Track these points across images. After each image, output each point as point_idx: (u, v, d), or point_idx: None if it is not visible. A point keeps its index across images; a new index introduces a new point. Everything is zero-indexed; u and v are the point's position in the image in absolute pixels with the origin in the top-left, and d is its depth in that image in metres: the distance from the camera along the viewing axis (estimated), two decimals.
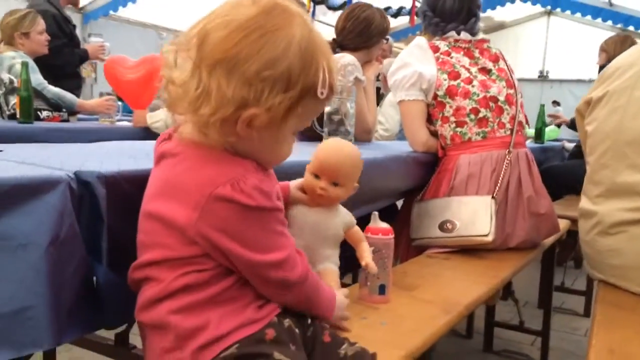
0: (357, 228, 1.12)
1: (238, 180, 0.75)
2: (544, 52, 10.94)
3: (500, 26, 10.67)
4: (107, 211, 0.86)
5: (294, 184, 1.07)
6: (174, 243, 0.78)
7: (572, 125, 3.84)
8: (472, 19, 1.98)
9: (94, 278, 0.85)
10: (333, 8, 6.17)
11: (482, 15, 2.03)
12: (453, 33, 1.95)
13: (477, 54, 1.95)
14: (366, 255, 1.11)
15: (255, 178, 0.77)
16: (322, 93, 0.79)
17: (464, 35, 1.95)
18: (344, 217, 1.10)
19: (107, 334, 1.34)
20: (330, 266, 1.09)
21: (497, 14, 9.50)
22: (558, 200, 3.05)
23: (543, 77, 11.16)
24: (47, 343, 0.75)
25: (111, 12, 8.30)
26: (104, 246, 0.86)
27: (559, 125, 3.93)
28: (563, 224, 2.21)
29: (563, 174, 3.21)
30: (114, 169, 0.88)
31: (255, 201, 0.76)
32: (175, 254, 0.78)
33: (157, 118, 2.74)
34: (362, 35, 2.33)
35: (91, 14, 8.23)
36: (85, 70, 4.07)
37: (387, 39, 2.60)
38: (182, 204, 0.77)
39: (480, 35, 2.00)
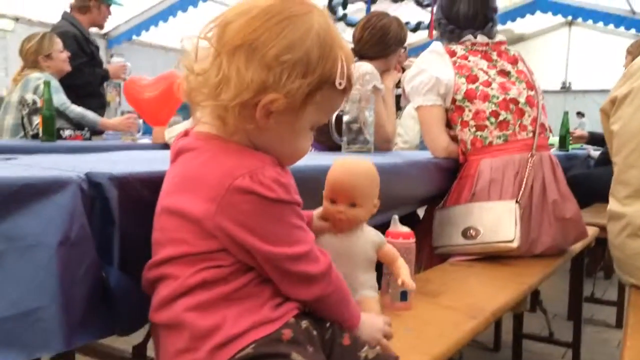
0: (389, 247, 1.07)
1: (257, 172, 0.75)
2: (566, 63, 10.83)
3: (521, 38, 10.61)
4: (118, 213, 0.84)
5: (316, 213, 1.04)
6: (191, 238, 0.76)
7: (591, 141, 3.75)
8: (489, 24, 1.95)
9: (105, 281, 0.83)
10: (352, 25, 6.20)
11: (501, 28, 2.01)
12: (470, 37, 1.92)
13: (495, 56, 1.91)
14: (402, 273, 1.06)
15: (274, 171, 0.77)
16: (340, 83, 0.79)
17: (481, 38, 1.92)
18: (372, 238, 1.05)
19: (125, 346, 1.33)
20: (366, 293, 1.04)
21: (517, 26, 9.44)
22: (585, 208, 2.97)
23: (566, 89, 11.03)
24: (57, 346, 0.73)
25: (134, 36, 8.50)
26: (115, 248, 0.84)
27: (579, 141, 3.83)
28: (591, 231, 2.14)
29: (589, 181, 3.13)
30: (125, 170, 0.87)
31: (274, 193, 0.75)
32: (193, 249, 0.77)
33: (176, 132, 2.75)
34: (380, 44, 2.32)
35: (115, 39, 8.44)
36: (109, 95, 4.14)
37: (405, 48, 2.59)
38: (200, 196, 0.76)
39: (498, 38, 1.96)
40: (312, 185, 1.04)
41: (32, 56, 3.11)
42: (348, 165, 1.02)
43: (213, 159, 0.78)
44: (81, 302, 0.77)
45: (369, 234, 1.04)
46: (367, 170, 1.03)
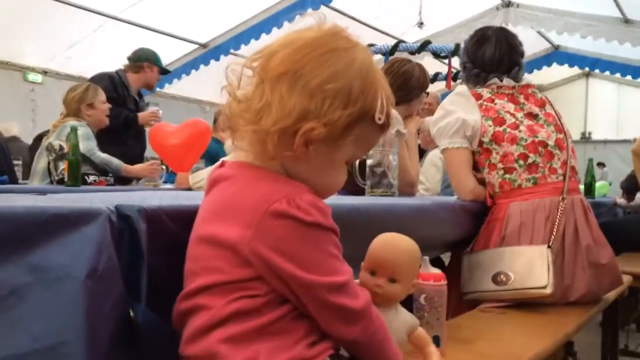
0: (421, 330, 1.04)
1: (294, 196, 0.74)
2: (585, 113, 10.82)
3: (539, 89, 10.68)
4: (147, 247, 0.82)
5: None
6: (225, 265, 0.75)
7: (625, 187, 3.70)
8: (515, 68, 1.95)
9: (133, 317, 0.80)
10: None
11: (524, 80, 2.00)
12: (496, 80, 1.92)
13: (522, 99, 1.90)
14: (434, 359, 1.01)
15: (311, 195, 0.77)
16: (379, 119, 0.80)
17: (507, 81, 1.91)
18: (406, 319, 1.01)
19: None
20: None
21: (535, 78, 9.51)
22: (617, 256, 2.88)
23: (586, 139, 10.98)
24: None
25: (157, 89, 8.71)
26: (143, 283, 0.81)
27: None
28: (625, 280, 2.07)
29: (620, 229, 3.05)
30: (155, 204, 0.85)
31: (312, 217, 0.74)
32: (227, 278, 0.75)
33: (200, 178, 2.76)
34: (402, 89, 2.33)
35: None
36: None
37: (427, 93, 2.60)
38: (236, 222, 0.75)
39: (525, 81, 1.96)
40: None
41: (76, 104, 3.19)
42: (392, 240, 1.02)
43: (248, 186, 0.78)
44: (107, 338, 0.74)
45: (404, 316, 1.01)
46: (411, 247, 1.02)
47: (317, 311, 0.76)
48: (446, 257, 2.17)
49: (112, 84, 3.64)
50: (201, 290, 0.76)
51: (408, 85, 2.32)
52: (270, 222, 0.73)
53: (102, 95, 3.30)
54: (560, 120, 1.91)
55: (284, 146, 0.77)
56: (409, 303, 1.06)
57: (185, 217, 0.86)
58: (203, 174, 2.76)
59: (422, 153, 3.33)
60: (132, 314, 0.79)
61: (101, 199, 0.91)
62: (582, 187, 3.45)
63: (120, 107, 3.65)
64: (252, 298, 0.75)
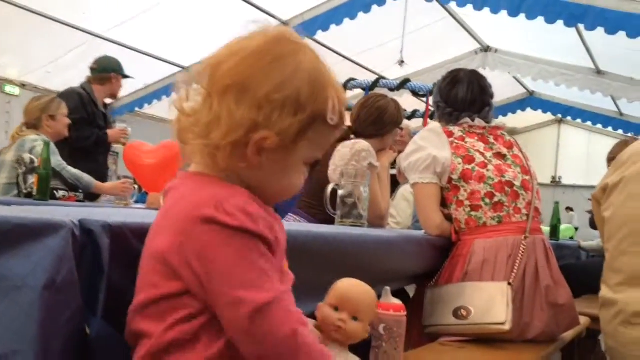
0: None
1: (223, 201, 0.73)
2: (556, 158, 11.08)
3: (512, 132, 10.91)
4: (109, 262, 0.82)
5: (309, 323, 0.99)
6: (159, 279, 0.74)
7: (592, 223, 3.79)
8: (486, 108, 2.01)
9: (87, 330, 0.80)
10: (350, 110, 6.35)
11: (494, 122, 2.07)
12: (467, 119, 1.98)
13: (491, 139, 1.96)
14: None
15: (242, 200, 0.74)
16: (332, 119, 0.80)
17: (478, 121, 1.97)
18: None
19: None
20: None
21: (509, 121, 9.75)
22: (577, 298, 2.94)
23: (556, 183, 11.22)
24: None
25: (136, 109, 8.68)
26: (101, 298, 0.81)
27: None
28: (582, 321, 2.11)
29: (582, 272, 3.12)
30: (120, 220, 0.86)
31: (238, 221, 0.71)
32: (160, 292, 0.74)
33: None
34: (376, 123, 2.38)
35: (117, 110, 8.58)
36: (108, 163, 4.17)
37: (402, 129, 2.66)
38: (169, 232, 0.74)
39: (495, 123, 2.02)
40: (298, 250, 1.04)
41: (37, 114, 3.16)
42: (358, 282, 1.05)
43: (187, 194, 0.77)
44: (61, 349, 0.74)
45: (354, 358, 1.02)
46: (373, 292, 1.05)
47: (233, 332, 0.72)
48: (412, 290, 2.20)
49: (82, 103, 3.61)
50: (141, 308, 0.76)
51: (382, 121, 2.37)
52: (197, 228, 0.72)
53: (64, 109, 3.28)
54: (527, 163, 1.97)
55: (237, 158, 0.76)
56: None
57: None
58: None
59: (395, 187, 3.38)
60: (87, 328, 0.79)
61: (67, 213, 0.92)
62: (547, 229, 3.53)
63: (91, 126, 3.64)
64: (189, 322, 0.73)
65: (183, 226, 0.73)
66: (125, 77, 3.96)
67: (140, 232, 0.87)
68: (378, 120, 2.38)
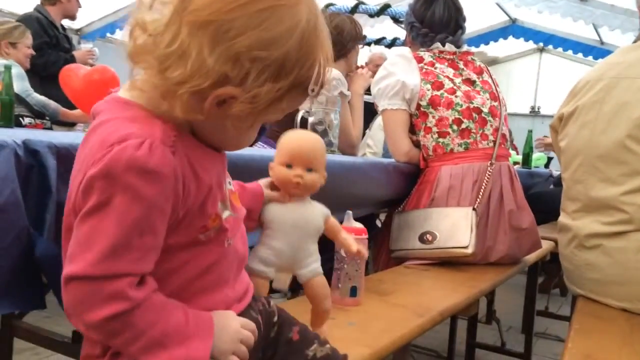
0: (333, 219, 1.06)
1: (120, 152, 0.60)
2: (536, 88, 11.06)
3: (493, 62, 10.81)
4: (56, 183, 0.81)
5: (263, 182, 0.98)
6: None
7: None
8: (459, 31, 1.98)
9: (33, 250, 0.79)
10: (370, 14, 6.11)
11: (475, 50, 2.05)
12: (438, 45, 1.94)
13: (461, 65, 1.93)
14: (352, 243, 1.02)
15: (147, 147, 0.60)
16: (312, 90, 0.69)
17: (449, 47, 1.94)
18: (321, 208, 1.02)
19: (67, 332, 1.27)
20: (319, 270, 0.97)
21: (490, 50, 9.62)
22: (544, 224, 3.02)
23: (535, 113, 11.26)
24: None
25: (108, 34, 8.38)
26: (48, 218, 0.81)
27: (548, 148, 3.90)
28: (547, 245, 2.18)
29: (550, 199, 3.19)
30: (66, 141, 0.84)
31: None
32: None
33: None
34: (336, 44, 2.30)
35: (88, 35, 8.28)
36: None
37: (362, 44, 2.57)
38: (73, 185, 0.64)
39: (465, 48, 1.99)
40: (262, 175, 1.02)
41: None
42: (303, 133, 1.02)
43: (99, 132, 0.64)
44: (5, 270, 0.73)
45: (317, 205, 1.02)
46: (319, 139, 1.02)
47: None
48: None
49: (41, 27, 3.50)
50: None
51: (341, 40, 2.28)
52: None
53: (28, 40, 3.19)
54: (496, 89, 1.95)
55: (193, 109, 0.63)
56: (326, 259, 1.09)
57: None
58: None
59: (373, 116, 3.35)
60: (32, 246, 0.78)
61: (11, 134, 0.89)
62: (519, 157, 3.57)
63: (56, 49, 3.52)
64: None
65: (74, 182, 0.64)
66: None
67: None
68: (337, 41, 2.29)
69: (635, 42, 1.64)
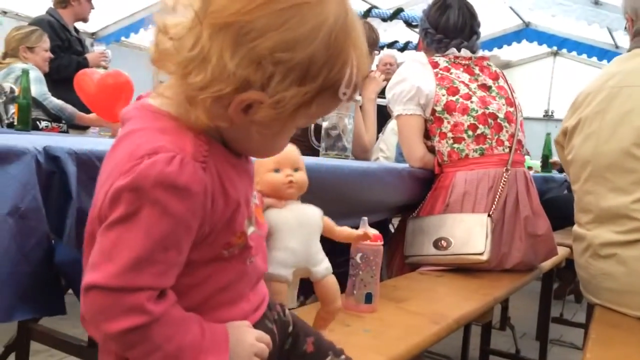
0: (326, 217, 1.04)
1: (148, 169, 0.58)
2: (549, 92, 10.99)
3: (507, 65, 10.75)
4: (76, 188, 0.82)
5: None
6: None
7: None
8: (474, 36, 1.97)
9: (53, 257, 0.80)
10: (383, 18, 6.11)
11: (489, 53, 2.04)
12: (453, 50, 1.93)
13: (477, 70, 1.92)
14: (351, 230, 1.03)
15: (177, 163, 0.59)
16: (344, 94, 0.64)
17: (464, 52, 1.93)
18: (314, 207, 1.02)
19: (83, 335, 1.28)
20: (331, 269, 0.98)
21: (504, 53, 9.57)
22: (560, 230, 2.99)
23: (548, 116, 11.18)
24: None
25: (122, 38, 8.45)
26: (69, 224, 0.81)
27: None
28: (562, 252, 2.16)
29: (565, 204, 3.16)
30: (87, 147, 0.85)
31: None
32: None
33: None
34: None
35: (103, 39, 8.35)
36: None
37: (378, 52, 2.57)
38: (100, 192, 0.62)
39: (480, 53, 1.98)
40: None
41: (15, 43, 3.08)
42: None
43: (127, 145, 0.62)
44: (25, 276, 0.74)
45: (310, 205, 1.01)
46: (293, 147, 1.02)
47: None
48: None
49: (53, 31, 3.50)
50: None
51: None
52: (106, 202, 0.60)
53: (46, 43, 3.21)
54: (512, 94, 1.94)
55: (217, 115, 0.62)
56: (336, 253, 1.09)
57: None
58: None
59: (386, 120, 3.34)
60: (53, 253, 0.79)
61: (32, 140, 0.90)
62: (538, 162, 3.54)
63: (68, 52, 3.55)
64: None
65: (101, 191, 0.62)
66: None
67: None
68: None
69: (629, 51, 1.64)
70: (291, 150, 0.95)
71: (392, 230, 2.27)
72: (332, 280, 0.96)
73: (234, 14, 0.59)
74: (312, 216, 0.98)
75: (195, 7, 0.60)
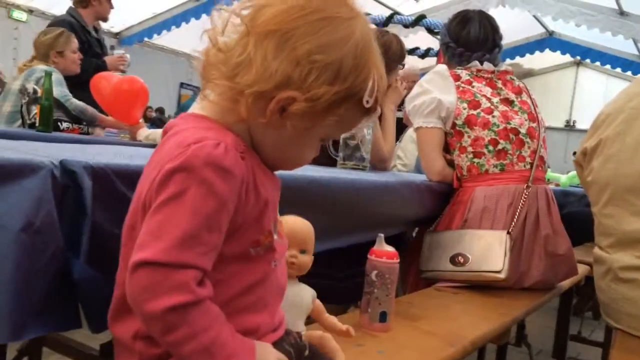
0: (317, 300, 1.04)
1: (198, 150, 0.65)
2: (571, 102, 10.86)
3: (529, 74, 10.64)
4: (92, 204, 0.81)
5: None
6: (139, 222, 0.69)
7: None
8: (496, 49, 1.94)
9: (69, 273, 0.79)
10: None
11: (511, 62, 2.02)
12: (476, 63, 1.91)
13: (499, 84, 1.90)
14: (337, 323, 1.02)
15: (223, 147, 0.66)
16: (367, 102, 0.73)
17: (487, 65, 1.90)
18: (309, 288, 1.03)
19: (94, 344, 1.28)
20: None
21: (526, 62, 9.49)
22: (578, 246, 2.94)
23: (570, 127, 11.05)
24: (4, 335, 0.69)
25: (146, 39, 8.54)
26: (84, 240, 0.81)
27: None
28: (581, 269, 2.11)
29: (584, 219, 3.10)
30: (103, 161, 0.84)
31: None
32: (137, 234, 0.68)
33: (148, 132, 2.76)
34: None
35: (126, 39, 8.47)
36: None
37: (403, 65, 2.57)
38: (149, 177, 0.69)
39: (504, 67, 1.95)
40: (292, 193, 1.01)
41: (45, 49, 3.10)
42: (296, 218, 1.02)
43: (175, 137, 0.70)
44: (39, 292, 0.73)
45: (305, 286, 1.02)
46: (309, 224, 1.03)
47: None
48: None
49: (74, 32, 3.48)
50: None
51: (387, 57, 2.28)
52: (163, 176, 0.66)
53: (74, 44, 3.21)
54: (535, 109, 1.91)
55: (257, 111, 0.70)
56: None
57: (132, 177, 0.83)
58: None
59: (403, 129, 3.32)
60: (68, 269, 0.78)
61: (49, 152, 0.90)
62: (558, 174, 3.48)
63: (87, 55, 3.56)
64: None
65: (156, 174, 0.67)
66: None
67: (124, 174, 0.85)
68: (383, 56, 2.29)
69: None
70: (303, 231, 0.97)
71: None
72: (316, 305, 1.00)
73: (277, 23, 0.69)
74: (304, 297, 0.98)
75: (246, 23, 0.71)
